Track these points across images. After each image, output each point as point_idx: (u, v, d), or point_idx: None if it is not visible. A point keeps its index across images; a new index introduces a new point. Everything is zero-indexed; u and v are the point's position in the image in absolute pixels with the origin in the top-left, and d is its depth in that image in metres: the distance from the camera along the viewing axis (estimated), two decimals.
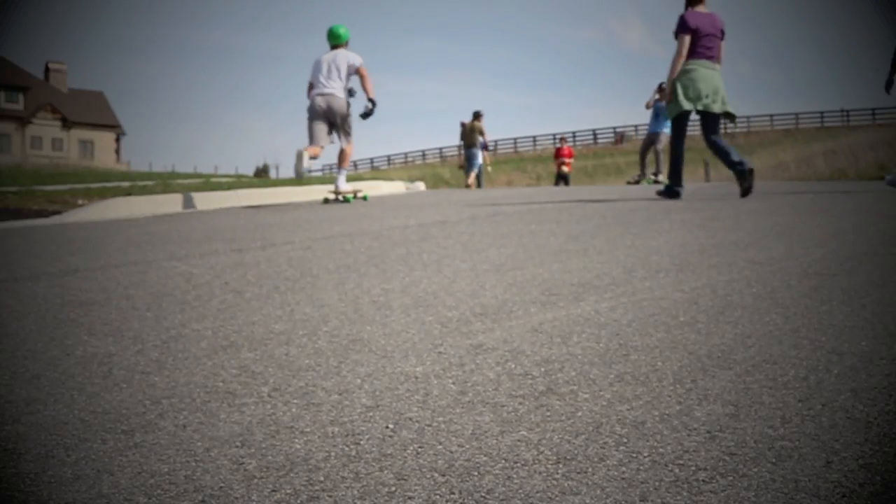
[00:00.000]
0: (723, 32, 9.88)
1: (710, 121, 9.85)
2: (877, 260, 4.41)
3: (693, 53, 9.75)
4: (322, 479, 1.88)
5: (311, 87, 11.64)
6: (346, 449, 2.05)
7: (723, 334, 3.00)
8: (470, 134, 24.76)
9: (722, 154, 9.80)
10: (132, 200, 11.82)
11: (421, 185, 20.80)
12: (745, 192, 9.62)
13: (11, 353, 3.12)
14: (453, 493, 1.77)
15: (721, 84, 9.79)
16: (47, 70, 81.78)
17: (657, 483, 1.78)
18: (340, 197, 12.07)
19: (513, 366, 2.70)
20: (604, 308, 3.48)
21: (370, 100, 11.47)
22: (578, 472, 1.85)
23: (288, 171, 53.98)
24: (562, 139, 31.01)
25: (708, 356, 2.73)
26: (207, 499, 1.80)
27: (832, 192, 10.87)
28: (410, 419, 2.25)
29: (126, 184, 17.04)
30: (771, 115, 65.72)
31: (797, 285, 3.80)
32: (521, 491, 1.77)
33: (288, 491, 1.82)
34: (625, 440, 2.03)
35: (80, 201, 12.43)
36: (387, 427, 2.20)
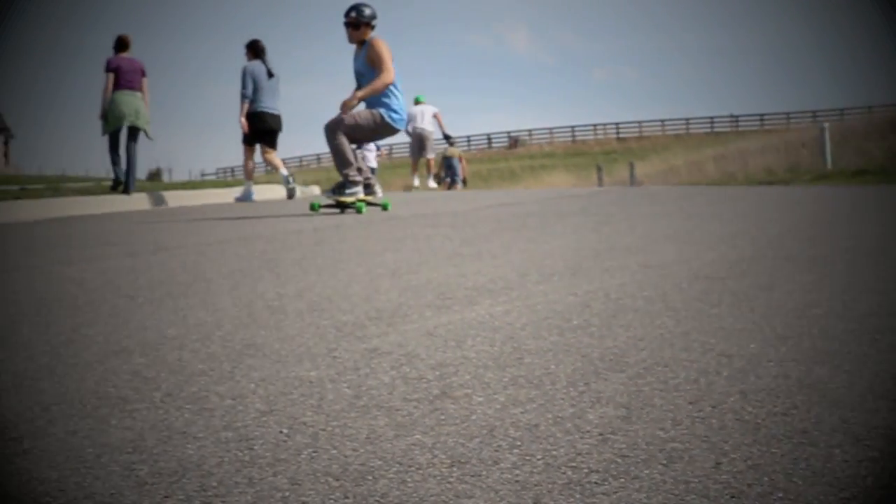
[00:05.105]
0: (143, 71, 13.68)
1: (134, 133, 13.56)
2: (765, 263, 4.51)
3: (118, 86, 13.33)
4: (215, 484, 1.86)
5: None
6: (240, 454, 2.03)
7: (615, 337, 3.04)
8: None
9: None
10: (21, 204, 11.55)
11: (316, 189, 20.65)
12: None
13: None
14: (347, 498, 1.76)
15: (141, 106, 13.49)
16: None
17: (550, 485, 1.79)
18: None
19: (407, 370, 2.70)
20: (498, 311, 3.50)
21: None
22: (472, 476, 1.86)
23: (181, 175, 52.91)
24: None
25: (601, 359, 2.76)
26: None
27: (723, 196, 11.07)
28: (304, 423, 2.24)
29: (15, 187, 16.64)
30: (662, 121, 67.13)
31: (688, 288, 3.87)
32: (415, 494, 1.77)
33: (180, 497, 1.80)
34: (518, 443, 2.05)
35: None
36: (281, 432, 2.18)
